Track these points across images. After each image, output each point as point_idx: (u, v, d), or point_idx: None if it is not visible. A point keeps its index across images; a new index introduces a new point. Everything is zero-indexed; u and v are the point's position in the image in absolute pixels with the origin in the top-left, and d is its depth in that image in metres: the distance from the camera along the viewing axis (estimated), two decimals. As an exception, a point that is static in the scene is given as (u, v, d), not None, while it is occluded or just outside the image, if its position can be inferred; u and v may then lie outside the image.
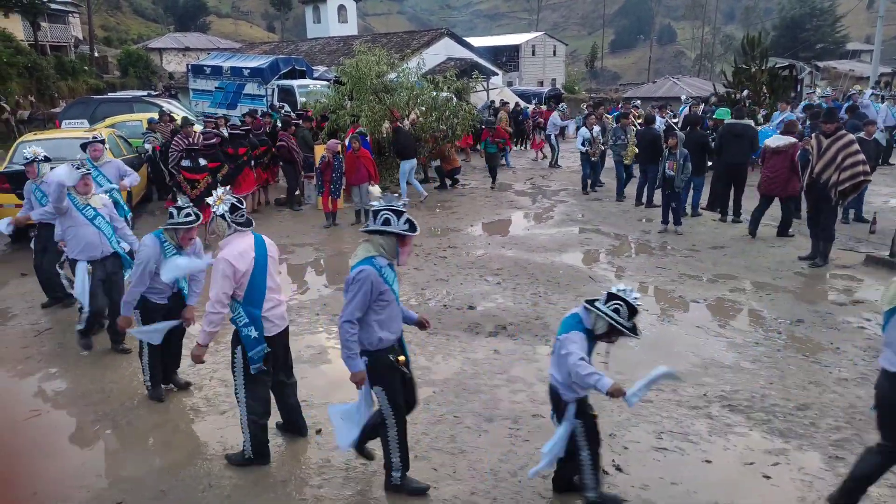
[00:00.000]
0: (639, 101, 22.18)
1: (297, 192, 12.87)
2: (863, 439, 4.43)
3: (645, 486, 4.08)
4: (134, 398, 5.38)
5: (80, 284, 5.92)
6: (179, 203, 5.05)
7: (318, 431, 4.73)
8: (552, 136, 17.79)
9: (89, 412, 5.18)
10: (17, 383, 5.80)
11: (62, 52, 38.49)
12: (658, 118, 14.16)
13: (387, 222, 3.72)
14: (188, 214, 4.98)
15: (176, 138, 10.89)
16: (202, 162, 10.26)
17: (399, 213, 3.73)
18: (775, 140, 9.46)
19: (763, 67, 16.89)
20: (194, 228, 5.02)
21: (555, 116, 17.94)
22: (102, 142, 8.05)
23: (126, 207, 8.11)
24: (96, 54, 41.93)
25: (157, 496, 4.08)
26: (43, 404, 5.31)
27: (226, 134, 11.51)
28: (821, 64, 37.40)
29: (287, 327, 4.42)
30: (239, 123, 13.56)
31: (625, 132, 13.05)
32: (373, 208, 3.80)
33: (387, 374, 3.84)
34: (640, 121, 14.19)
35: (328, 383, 5.44)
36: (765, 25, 64.10)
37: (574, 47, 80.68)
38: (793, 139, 9.35)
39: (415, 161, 13.17)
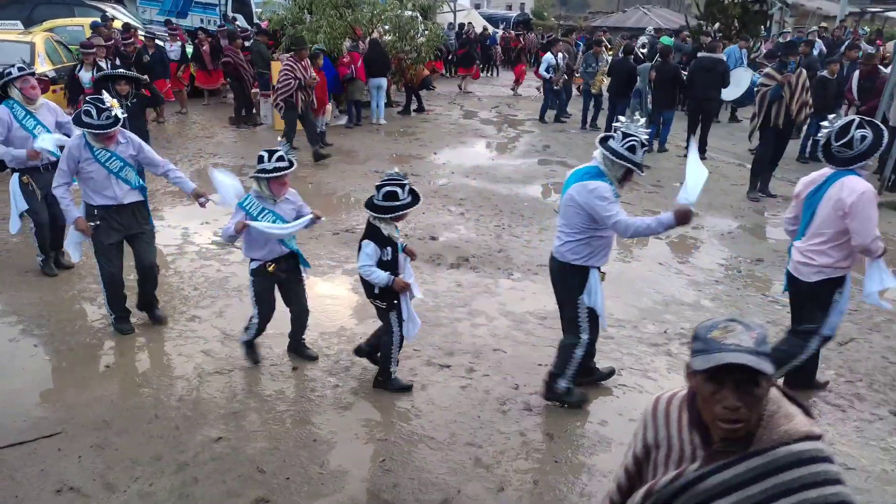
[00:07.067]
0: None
1: (253, 111, 12.34)
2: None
3: (603, 423, 4.07)
4: (75, 322, 5.10)
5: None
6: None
7: (294, 369, 4.55)
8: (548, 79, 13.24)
9: (27, 335, 4.90)
10: (-53, 304, 5.44)
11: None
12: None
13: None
14: (280, 159, 4.12)
15: (288, 63, 9.61)
16: None
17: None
18: None
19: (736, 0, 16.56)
20: (286, 176, 4.20)
21: (548, 57, 13.34)
22: (33, 74, 5.81)
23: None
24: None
25: (100, 426, 3.88)
26: (-24, 326, 4.98)
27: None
28: (790, 0, 36.86)
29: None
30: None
31: (596, 60, 12.69)
32: None
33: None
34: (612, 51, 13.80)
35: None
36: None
37: (544, -29, 77.88)
38: None
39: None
